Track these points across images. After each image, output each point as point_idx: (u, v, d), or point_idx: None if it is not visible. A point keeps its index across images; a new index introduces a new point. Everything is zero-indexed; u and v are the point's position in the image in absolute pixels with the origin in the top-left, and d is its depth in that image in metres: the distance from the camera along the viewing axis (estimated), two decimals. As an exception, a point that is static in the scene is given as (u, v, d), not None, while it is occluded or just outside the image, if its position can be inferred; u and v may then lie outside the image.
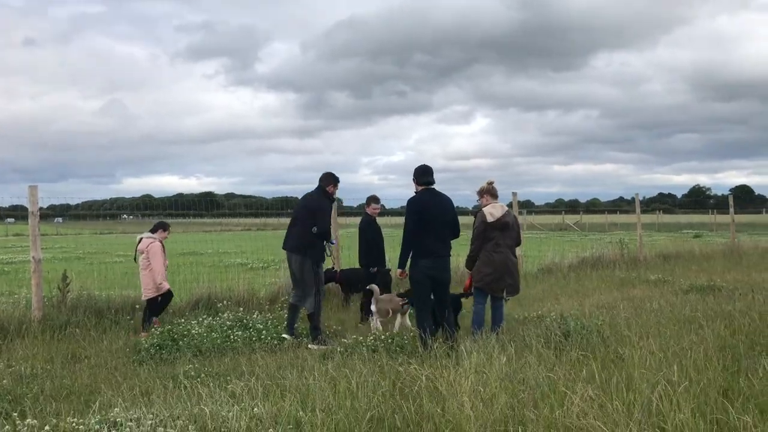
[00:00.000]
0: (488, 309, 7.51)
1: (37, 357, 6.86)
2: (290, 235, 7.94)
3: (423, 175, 6.84)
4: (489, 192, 7.48)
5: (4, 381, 5.41)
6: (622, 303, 9.20)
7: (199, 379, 5.67)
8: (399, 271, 6.92)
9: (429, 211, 6.68)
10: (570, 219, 53.61)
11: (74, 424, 4.10)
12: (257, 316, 8.75)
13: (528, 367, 4.68)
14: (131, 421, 4.08)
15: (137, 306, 8.87)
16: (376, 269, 9.36)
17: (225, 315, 8.60)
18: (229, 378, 5.74)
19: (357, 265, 10.34)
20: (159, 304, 8.63)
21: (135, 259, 8.82)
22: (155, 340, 7.24)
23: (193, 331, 7.62)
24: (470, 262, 7.54)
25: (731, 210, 20.74)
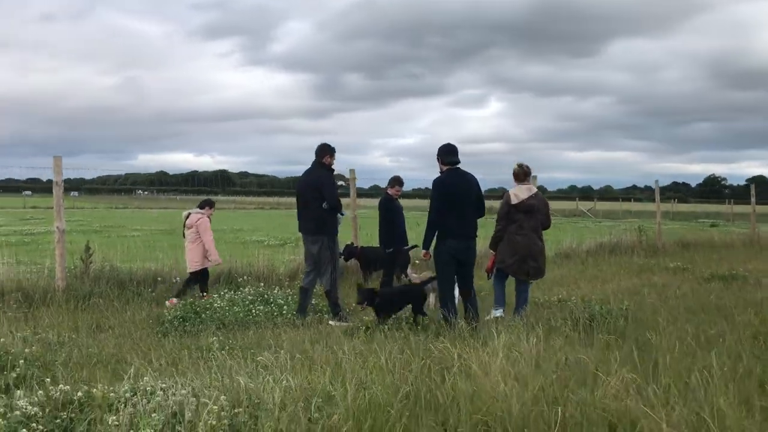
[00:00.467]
0: (512, 292, 7.48)
1: (63, 325, 6.92)
2: (304, 218, 7.81)
3: (448, 154, 6.73)
4: (515, 174, 7.43)
5: (33, 348, 5.44)
6: (644, 289, 9.12)
7: (224, 351, 5.71)
8: (423, 252, 6.85)
9: (455, 191, 6.61)
10: (584, 206, 53.26)
11: (105, 392, 4.12)
12: (278, 291, 8.77)
13: (558, 348, 4.64)
14: (161, 390, 4.10)
15: (159, 279, 8.92)
16: (392, 249, 9.33)
17: (246, 290, 8.62)
18: (253, 351, 5.77)
19: (375, 244, 10.35)
20: (204, 277, 8.90)
21: (183, 234, 9.01)
22: (178, 313, 7.28)
23: (216, 305, 7.65)
24: (494, 243, 7.50)
25: (753, 200, 20.48)
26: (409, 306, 7.14)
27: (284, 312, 7.75)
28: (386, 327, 6.36)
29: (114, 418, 3.58)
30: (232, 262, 10.03)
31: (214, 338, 6.17)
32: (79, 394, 4.03)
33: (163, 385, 4.19)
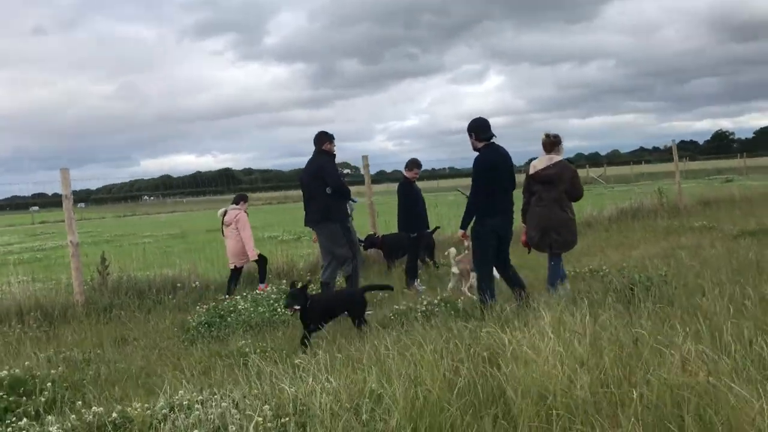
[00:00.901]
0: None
1: (86, 342, 6.74)
2: (310, 209, 7.59)
3: (484, 129, 6.44)
4: (543, 144, 7.17)
5: (60, 368, 5.25)
6: (679, 252, 8.85)
7: (255, 355, 5.50)
8: (461, 232, 6.58)
9: (498, 168, 6.39)
10: (594, 172, 52.73)
11: (140, 410, 3.91)
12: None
13: (609, 323, 4.38)
14: (199, 403, 3.89)
15: (178, 285, 8.72)
16: (416, 234, 9.08)
17: (269, 288, 8.41)
18: (285, 352, 5.56)
19: (394, 231, 10.11)
20: (262, 268, 9.20)
21: (222, 232, 9.23)
22: (203, 318, 7.07)
23: (240, 306, 7.44)
24: (522, 215, 7.29)
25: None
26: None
27: (310, 308, 7.54)
28: (418, 314, 6.13)
29: (154, 439, 3.37)
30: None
31: (243, 342, 5.96)
32: (114, 414, 3.83)
33: (200, 398, 3.99)
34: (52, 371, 5.20)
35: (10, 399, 4.59)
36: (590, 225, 13.58)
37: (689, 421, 2.78)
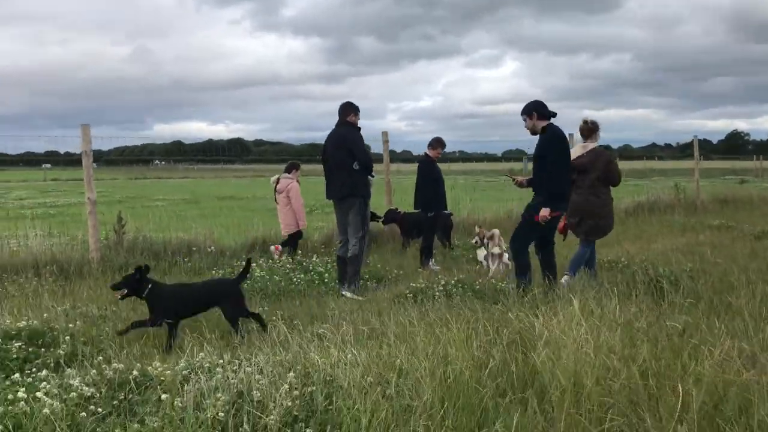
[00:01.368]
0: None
1: (101, 298, 6.71)
2: (334, 182, 7.33)
3: (546, 107, 6.25)
4: (580, 130, 7.10)
5: (78, 323, 5.22)
6: (698, 248, 8.74)
7: (280, 321, 5.46)
8: (547, 211, 5.99)
9: (567, 146, 6.29)
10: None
11: (161, 369, 3.87)
12: (316, 259, 8.51)
13: (641, 314, 4.30)
14: (220, 367, 3.84)
15: (194, 248, 8.67)
16: (433, 213, 9.00)
17: (284, 258, 8.37)
18: (299, 322, 5.51)
19: (409, 209, 10.03)
20: (297, 239, 9.28)
21: (275, 199, 9.44)
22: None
23: (256, 274, 7.39)
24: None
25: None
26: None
27: (326, 280, 7.50)
28: (437, 293, 6.07)
29: (178, 399, 3.32)
30: (265, 231, 9.76)
31: (260, 309, 5.91)
32: (135, 372, 3.80)
33: (221, 362, 3.95)
34: (70, 325, 5.18)
35: (30, 350, 4.57)
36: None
37: (733, 418, 2.71)
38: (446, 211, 9.51)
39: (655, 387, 3.08)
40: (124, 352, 4.56)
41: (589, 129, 7.01)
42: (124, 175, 51.17)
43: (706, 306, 4.74)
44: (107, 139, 10.80)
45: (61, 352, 4.56)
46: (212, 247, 8.80)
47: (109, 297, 6.73)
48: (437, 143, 9.03)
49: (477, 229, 8.76)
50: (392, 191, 11.04)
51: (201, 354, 4.10)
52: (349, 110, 7.38)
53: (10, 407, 3.39)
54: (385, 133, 11.23)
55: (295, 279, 7.44)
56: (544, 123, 6.20)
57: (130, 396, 3.58)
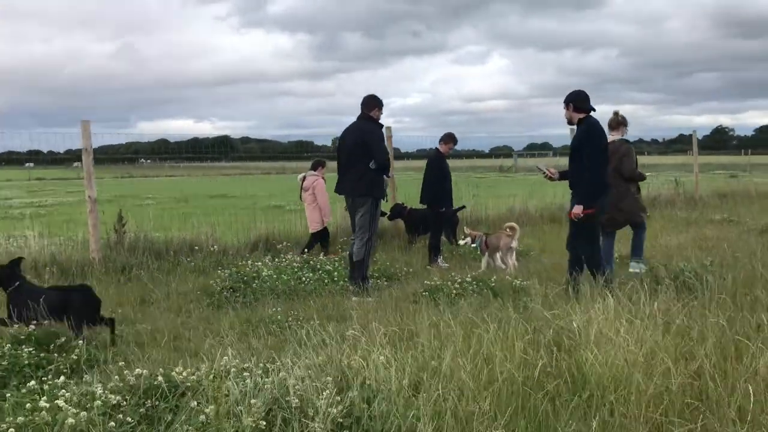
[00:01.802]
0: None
1: (106, 300, 6.49)
2: (349, 178, 6.98)
3: (586, 100, 6.07)
4: (608, 123, 7.09)
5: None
6: (706, 242, 8.68)
7: (287, 323, 5.30)
8: (579, 208, 5.87)
9: (605, 139, 6.10)
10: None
11: (185, 374, 3.69)
12: (323, 257, 8.34)
13: (675, 312, 4.18)
14: (246, 371, 3.67)
15: (196, 248, 8.46)
16: (443, 209, 8.85)
17: (290, 256, 8.19)
18: (318, 323, 5.35)
19: (410, 204, 9.89)
20: (325, 237, 9.25)
21: (300, 197, 9.41)
22: (227, 283, 6.84)
23: (263, 273, 7.21)
24: None
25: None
26: None
27: (335, 279, 7.33)
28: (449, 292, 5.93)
29: (211, 407, 3.14)
30: (269, 229, 9.56)
31: (274, 309, 5.74)
32: (160, 379, 3.61)
33: (247, 365, 3.78)
34: (80, 328, 4.97)
35: (41, 356, 4.36)
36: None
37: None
38: (455, 208, 9.38)
39: (713, 387, 2.95)
40: (137, 355, 4.38)
41: (618, 122, 7.09)
42: (109, 174, 50.45)
43: (734, 301, 4.63)
44: (108, 134, 10.33)
45: (75, 357, 4.38)
46: (215, 246, 8.60)
47: (116, 298, 6.53)
48: (449, 138, 8.84)
49: (466, 230, 8.58)
50: (395, 187, 10.87)
51: (225, 358, 3.93)
52: (373, 104, 7.01)
53: (29, 417, 3.21)
54: (388, 129, 11.06)
55: (304, 278, 7.27)
56: (580, 115, 6.05)
57: (158, 403, 3.40)
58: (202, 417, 3.10)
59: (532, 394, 2.97)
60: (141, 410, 3.32)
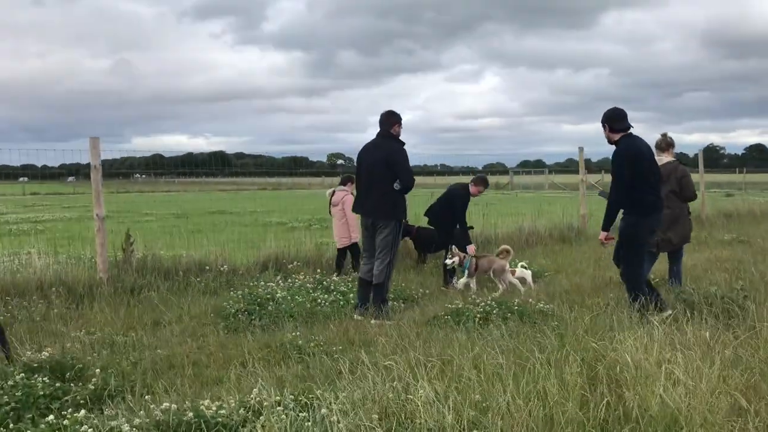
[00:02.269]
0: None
1: (117, 322, 6.26)
2: (373, 199, 6.69)
3: (621, 119, 5.88)
4: (656, 144, 7.02)
5: (104, 352, 4.79)
6: (725, 264, 8.54)
7: (309, 349, 5.09)
8: (604, 235, 5.90)
9: (643, 159, 5.78)
10: (591, 179, 52.49)
11: (215, 408, 3.48)
12: (336, 277, 8.14)
13: (720, 342, 4.00)
14: (278, 405, 3.46)
15: (206, 267, 8.24)
16: (470, 227, 8.83)
17: (302, 277, 7.98)
18: (341, 349, 5.15)
19: (419, 223, 9.74)
20: (354, 252, 9.01)
21: (329, 212, 9.36)
22: (241, 305, 6.62)
23: (278, 295, 6.99)
24: None
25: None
26: None
27: (351, 301, 7.11)
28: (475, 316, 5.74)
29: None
30: (278, 248, 9.35)
31: (295, 333, 5.52)
32: (190, 414, 3.39)
33: (279, 398, 3.56)
34: (95, 355, 4.76)
35: (56, 385, 4.13)
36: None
37: None
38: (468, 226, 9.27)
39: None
40: (160, 384, 4.15)
41: (667, 143, 7.10)
42: (104, 189, 49.94)
43: None
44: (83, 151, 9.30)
45: (92, 387, 4.15)
46: (225, 266, 8.38)
47: (127, 321, 6.30)
48: (482, 182, 8.76)
49: (453, 248, 8.19)
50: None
51: (255, 390, 3.71)
52: (392, 120, 6.77)
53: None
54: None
55: (319, 300, 7.06)
56: (617, 136, 5.89)
57: (190, 442, 3.19)
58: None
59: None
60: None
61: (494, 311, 6.12)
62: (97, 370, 4.31)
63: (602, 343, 3.75)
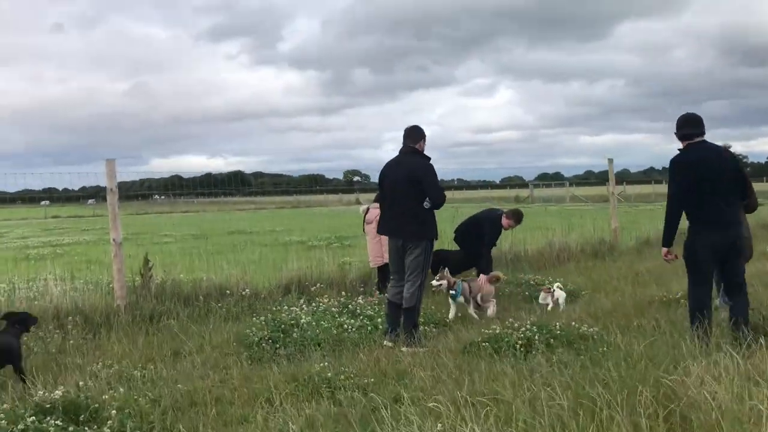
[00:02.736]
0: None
1: (135, 354, 5.95)
2: (395, 220, 6.38)
3: (684, 125, 5.48)
4: None
5: (121, 389, 4.46)
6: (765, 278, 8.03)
7: (340, 382, 4.72)
8: (665, 251, 5.52)
9: (698, 168, 5.31)
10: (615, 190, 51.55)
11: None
12: (362, 300, 7.77)
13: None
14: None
15: (227, 292, 7.92)
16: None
17: (327, 300, 7.63)
18: (372, 382, 4.78)
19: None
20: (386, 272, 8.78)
21: (363, 230, 9.15)
22: (264, 333, 6.28)
23: (302, 321, 6.64)
24: None
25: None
26: None
27: (379, 327, 6.73)
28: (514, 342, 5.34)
29: None
30: (300, 270, 9.01)
31: (323, 364, 5.14)
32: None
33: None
34: (111, 392, 4.43)
35: (69, 429, 3.81)
36: (649, 243, 12.74)
37: None
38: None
39: None
40: (181, 427, 3.80)
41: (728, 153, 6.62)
42: (123, 211, 50.17)
43: None
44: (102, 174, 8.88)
45: (108, 430, 3.82)
46: (247, 290, 8.05)
47: (146, 352, 5.99)
48: (514, 217, 8.64)
49: (444, 271, 7.63)
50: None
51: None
52: (418, 136, 6.46)
53: None
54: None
55: (346, 325, 6.69)
56: (683, 144, 5.49)
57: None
58: None
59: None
60: None
61: (536, 336, 5.71)
62: (113, 411, 3.99)
63: (673, 377, 3.34)
